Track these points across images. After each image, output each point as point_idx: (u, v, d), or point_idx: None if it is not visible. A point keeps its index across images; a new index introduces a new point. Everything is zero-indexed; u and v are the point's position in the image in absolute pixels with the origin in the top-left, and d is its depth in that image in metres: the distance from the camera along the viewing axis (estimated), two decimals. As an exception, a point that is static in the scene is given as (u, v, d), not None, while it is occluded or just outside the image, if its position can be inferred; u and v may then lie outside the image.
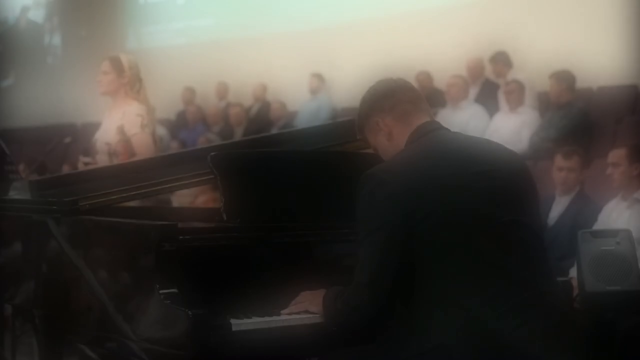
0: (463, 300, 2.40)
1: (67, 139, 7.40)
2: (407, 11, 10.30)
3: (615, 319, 3.66)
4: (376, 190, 2.48)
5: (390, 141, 2.68)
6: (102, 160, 4.77)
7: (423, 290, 2.45)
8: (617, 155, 5.08)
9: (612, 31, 8.38)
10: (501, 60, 8.65)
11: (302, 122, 10.16)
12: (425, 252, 2.44)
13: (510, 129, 7.70)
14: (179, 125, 11.71)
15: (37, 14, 15.53)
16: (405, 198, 2.44)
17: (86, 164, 4.80)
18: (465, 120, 8.01)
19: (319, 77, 10.70)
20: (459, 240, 2.43)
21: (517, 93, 7.92)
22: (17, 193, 4.06)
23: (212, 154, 2.99)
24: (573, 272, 4.21)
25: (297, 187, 3.08)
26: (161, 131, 10.24)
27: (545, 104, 8.41)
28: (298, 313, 2.77)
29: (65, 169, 7.46)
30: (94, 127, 5.00)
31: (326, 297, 2.67)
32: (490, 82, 8.81)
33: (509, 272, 2.46)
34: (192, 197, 7.87)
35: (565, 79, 7.60)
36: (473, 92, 8.68)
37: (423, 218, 2.42)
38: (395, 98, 2.69)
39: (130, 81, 4.84)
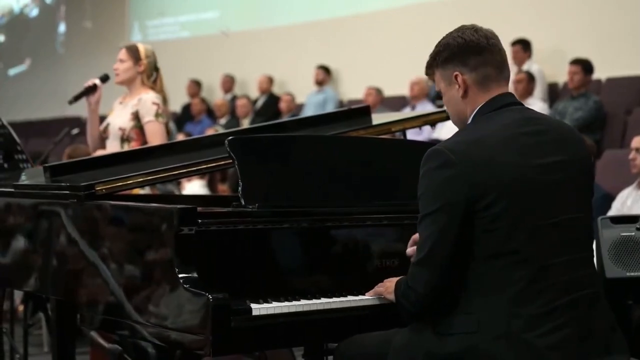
0: (505, 294, 2.32)
1: (75, 130, 7.41)
2: (412, 3, 10.27)
3: (635, 305, 3.62)
4: (441, 169, 2.36)
5: (463, 98, 2.50)
6: (113, 146, 4.74)
7: (471, 277, 2.37)
8: None
9: (619, 22, 8.35)
10: (521, 46, 8.59)
11: (308, 114, 10.14)
12: (481, 239, 2.34)
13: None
14: (185, 118, 11.69)
15: (44, 3, 15.52)
16: (470, 182, 2.33)
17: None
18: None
19: (324, 70, 10.68)
20: (517, 233, 2.33)
21: (525, 83, 7.90)
22: (29, 180, 4.03)
23: (230, 137, 2.95)
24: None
25: (316, 171, 3.05)
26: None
27: (554, 95, 8.38)
28: (329, 297, 2.76)
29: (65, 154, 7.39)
30: (100, 120, 4.96)
31: (397, 283, 2.55)
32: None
33: (561, 272, 2.37)
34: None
35: (587, 67, 7.52)
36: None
37: (486, 205, 2.32)
38: (482, 58, 2.47)
39: (146, 70, 4.79)
